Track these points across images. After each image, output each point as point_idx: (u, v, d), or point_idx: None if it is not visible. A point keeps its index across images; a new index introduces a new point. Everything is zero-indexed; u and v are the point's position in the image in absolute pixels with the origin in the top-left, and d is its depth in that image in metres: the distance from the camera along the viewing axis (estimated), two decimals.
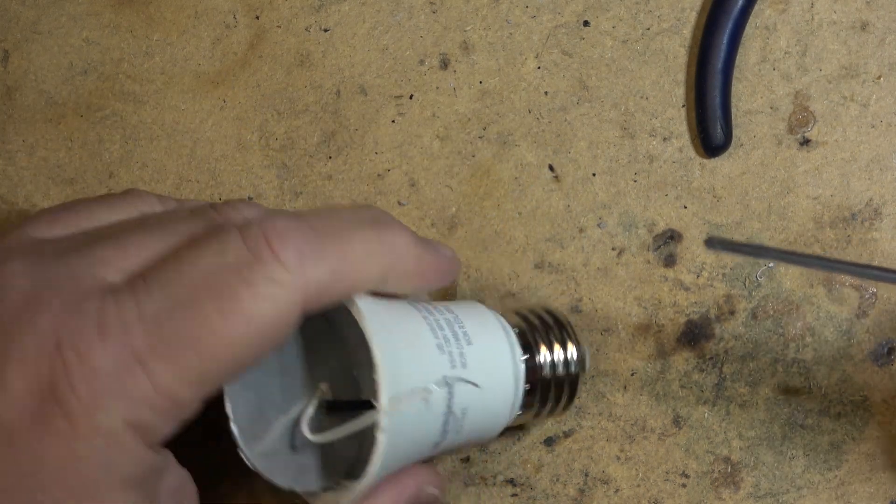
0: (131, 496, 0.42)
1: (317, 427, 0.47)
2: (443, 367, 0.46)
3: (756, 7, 0.54)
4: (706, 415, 0.53)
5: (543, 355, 0.50)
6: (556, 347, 0.50)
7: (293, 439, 0.48)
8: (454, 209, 0.55)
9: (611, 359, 0.54)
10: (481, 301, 0.54)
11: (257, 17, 0.57)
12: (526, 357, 0.49)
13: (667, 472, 0.53)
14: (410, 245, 0.46)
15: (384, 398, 0.43)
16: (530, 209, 0.55)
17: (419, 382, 0.45)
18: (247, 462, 0.46)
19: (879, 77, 0.54)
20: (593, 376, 0.54)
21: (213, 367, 0.42)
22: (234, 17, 0.57)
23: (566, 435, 0.54)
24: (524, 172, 0.55)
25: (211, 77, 0.57)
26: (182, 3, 0.57)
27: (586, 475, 0.54)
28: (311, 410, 0.47)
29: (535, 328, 0.50)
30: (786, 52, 0.54)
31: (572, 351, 0.50)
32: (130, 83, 0.57)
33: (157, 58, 0.57)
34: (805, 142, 0.54)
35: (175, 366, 0.41)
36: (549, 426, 0.54)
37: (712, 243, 0.43)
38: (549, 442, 0.54)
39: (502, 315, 0.50)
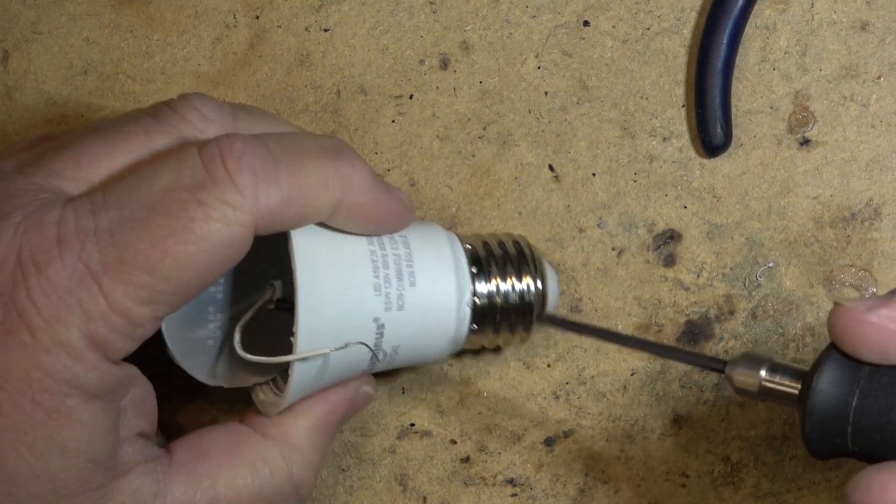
0: (97, 408, 0.43)
1: (264, 324, 0.49)
2: (375, 309, 0.47)
3: (756, 7, 0.54)
4: (706, 415, 0.53)
5: (496, 286, 0.50)
6: (511, 279, 0.50)
7: (231, 338, 0.49)
8: (454, 209, 0.55)
9: (611, 359, 0.54)
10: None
11: (257, 17, 0.57)
12: (475, 294, 0.49)
13: (667, 472, 0.53)
14: (367, 181, 0.47)
15: (299, 345, 0.45)
16: (530, 209, 0.55)
17: (344, 323, 0.46)
18: (172, 358, 0.48)
19: (879, 77, 0.54)
20: (593, 376, 0.54)
21: (165, 287, 0.42)
22: (234, 17, 0.57)
23: (566, 435, 0.54)
24: (524, 172, 0.55)
25: (211, 77, 0.57)
26: (182, 3, 0.57)
27: (586, 475, 0.54)
28: (249, 315, 0.49)
29: (493, 258, 0.50)
30: (786, 52, 0.54)
31: (528, 283, 0.50)
32: (130, 83, 0.57)
33: (157, 58, 0.57)
34: (805, 142, 0.54)
35: (128, 285, 0.42)
36: (549, 426, 0.54)
37: (541, 319, 0.49)
38: (549, 442, 0.54)
39: (468, 242, 0.51)
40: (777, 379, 0.42)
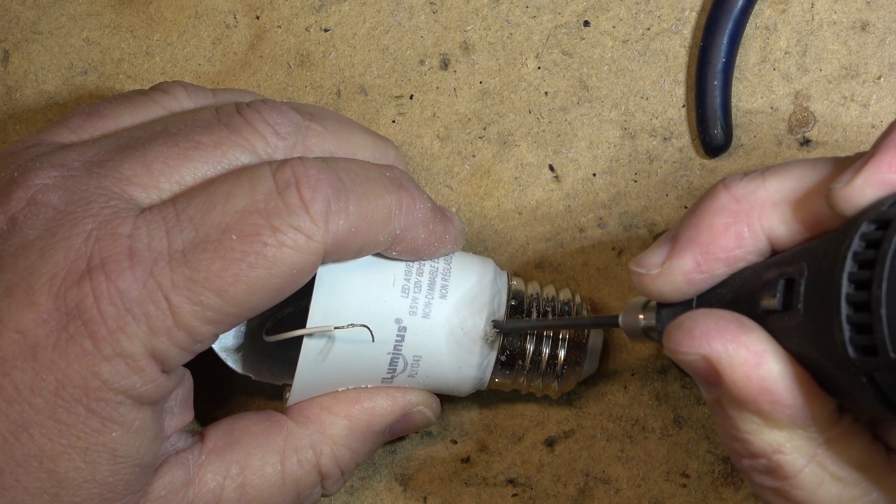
0: (147, 415, 0.44)
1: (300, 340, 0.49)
2: (398, 310, 0.47)
3: (756, 7, 0.54)
4: (706, 415, 0.53)
5: (530, 342, 0.50)
6: (546, 340, 0.50)
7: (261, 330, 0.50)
8: (454, 209, 0.55)
9: (611, 359, 0.54)
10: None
11: (257, 17, 0.57)
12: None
13: (667, 472, 0.53)
14: (427, 215, 0.47)
15: (310, 321, 0.46)
16: (530, 209, 0.55)
17: (363, 314, 0.47)
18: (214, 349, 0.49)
19: (879, 77, 0.54)
20: (593, 376, 0.54)
21: (233, 309, 0.43)
22: (234, 17, 0.57)
23: (567, 435, 0.54)
24: (524, 172, 0.55)
25: (211, 77, 0.57)
26: (182, 3, 0.57)
27: (587, 475, 0.54)
28: (283, 313, 0.50)
29: (538, 302, 0.50)
30: (786, 52, 0.54)
31: (563, 352, 0.50)
32: (131, 83, 0.57)
33: (158, 58, 0.57)
34: (805, 142, 0.54)
35: (197, 304, 0.42)
36: (549, 426, 0.54)
37: (498, 325, 0.49)
38: (550, 442, 0.54)
39: (518, 280, 0.51)
40: (651, 317, 0.45)
